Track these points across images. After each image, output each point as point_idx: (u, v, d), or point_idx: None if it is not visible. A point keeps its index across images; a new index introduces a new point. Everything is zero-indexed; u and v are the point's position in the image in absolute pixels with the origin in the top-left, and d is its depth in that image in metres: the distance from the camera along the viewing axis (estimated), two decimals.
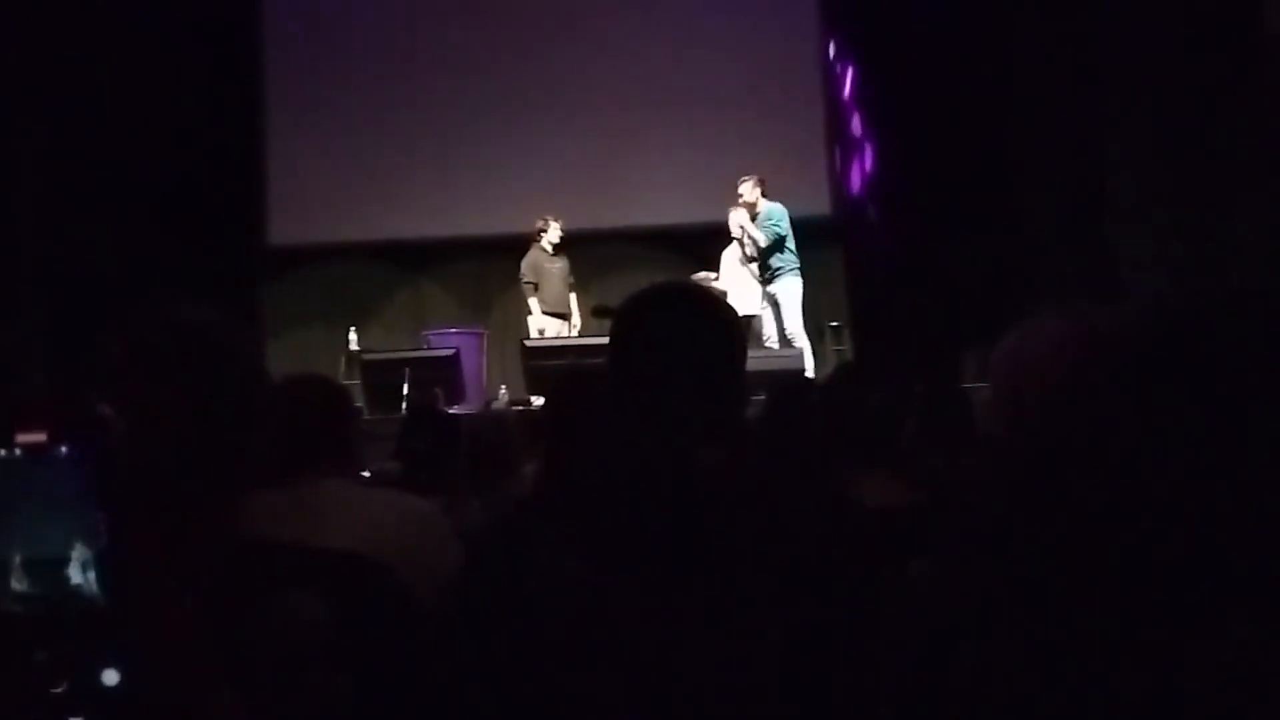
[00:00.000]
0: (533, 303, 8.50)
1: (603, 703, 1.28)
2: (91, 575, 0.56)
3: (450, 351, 7.93)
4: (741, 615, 1.33)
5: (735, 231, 8.05)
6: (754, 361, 7.32)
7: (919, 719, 1.26)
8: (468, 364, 7.99)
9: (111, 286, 8.13)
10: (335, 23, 9.97)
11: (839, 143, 9.74)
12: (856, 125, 9.69)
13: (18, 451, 0.55)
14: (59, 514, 0.55)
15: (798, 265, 7.82)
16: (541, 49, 9.76)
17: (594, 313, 7.93)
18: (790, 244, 7.82)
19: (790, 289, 7.81)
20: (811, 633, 1.34)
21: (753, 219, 7.88)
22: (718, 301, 1.56)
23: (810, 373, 7.33)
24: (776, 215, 7.82)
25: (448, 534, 2.31)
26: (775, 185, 8.16)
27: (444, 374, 7.70)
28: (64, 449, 0.55)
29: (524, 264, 8.57)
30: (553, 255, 8.60)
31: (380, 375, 7.73)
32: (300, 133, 9.83)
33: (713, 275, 8.00)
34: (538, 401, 6.93)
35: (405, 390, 7.49)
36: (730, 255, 8.27)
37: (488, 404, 7.70)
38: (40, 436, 0.55)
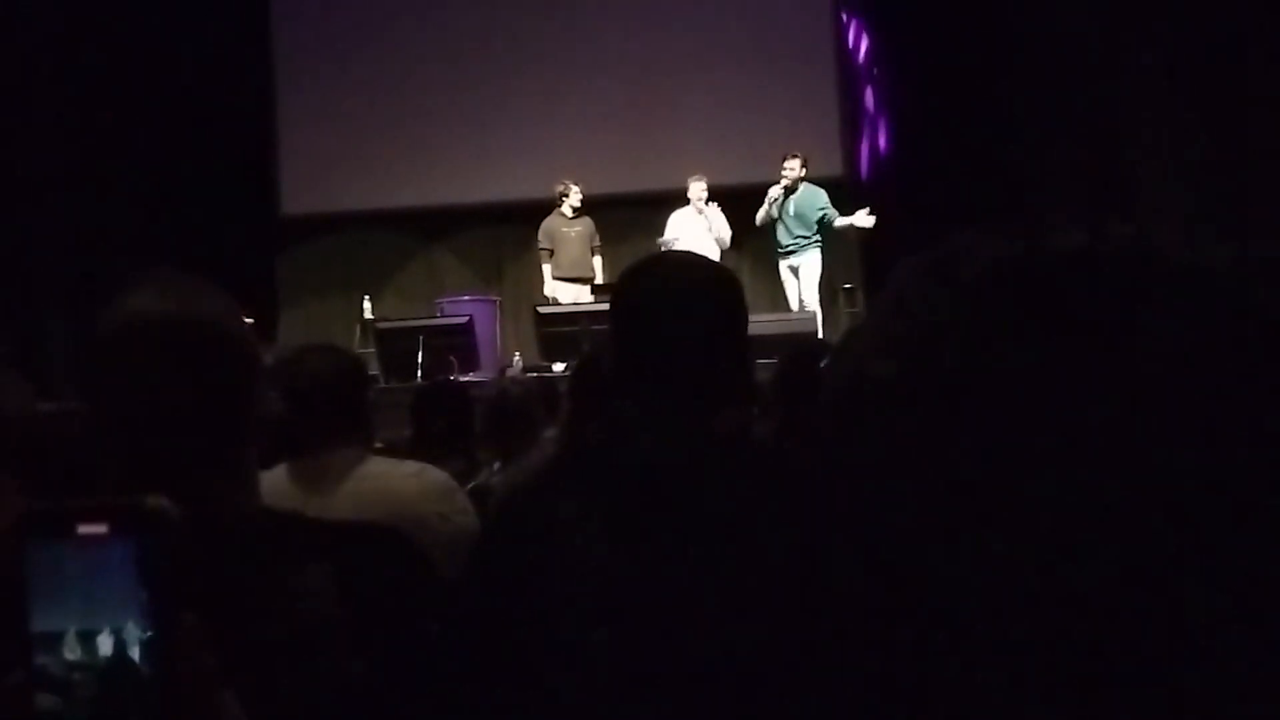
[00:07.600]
0: (546, 269, 8.47)
1: (620, 669, 1.29)
2: (139, 649, 0.61)
3: (464, 319, 7.94)
4: (754, 579, 1.33)
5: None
6: (767, 325, 7.31)
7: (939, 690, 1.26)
8: (482, 331, 8.00)
9: (125, 260, 8.16)
10: None
11: (852, 107, 9.66)
12: (869, 95, 9.61)
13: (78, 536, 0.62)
14: (113, 593, 0.61)
15: (821, 241, 8.20)
16: (555, 13, 9.67)
17: (595, 290, 8.00)
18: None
19: (814, 262, 8.19)
20: (824, 596, 1.35)
21: (789, 193, 8.10)
22: (717, 268, 1.55)
23: (820, 334, 7.45)
24: (823, 197, 8.16)
25: (464, 503, 2.32)
26: (791, 147, 8.16)
27: (458, 341, 7.72)
28: (121, 540, 0.60)
29: (541, 230, 8.54)
30: (572, 219, 8.54)
31: (395, 343, 7.76)
32: (311, 100, 9.78)
33: (673, 239, 7.90)
34: (557, 368, 6.94)
35: (420, 358, 7.51)
36: (680, 218, 8.24)
37: (503, 370, 7.71)
38: (101, 528, 0.61)
